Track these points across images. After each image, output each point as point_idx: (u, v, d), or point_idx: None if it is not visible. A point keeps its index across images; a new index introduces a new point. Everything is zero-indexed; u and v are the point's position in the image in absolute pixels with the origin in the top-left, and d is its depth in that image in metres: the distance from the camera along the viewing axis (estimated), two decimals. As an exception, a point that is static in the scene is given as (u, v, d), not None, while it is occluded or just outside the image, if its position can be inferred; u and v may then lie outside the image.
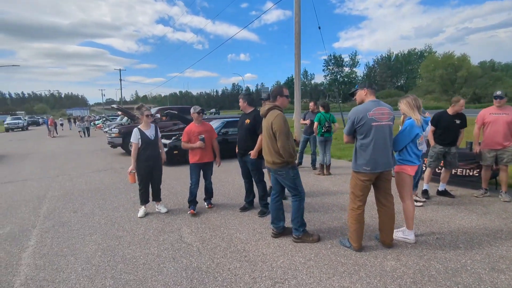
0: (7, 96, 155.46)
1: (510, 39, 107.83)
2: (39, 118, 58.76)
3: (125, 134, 11.55)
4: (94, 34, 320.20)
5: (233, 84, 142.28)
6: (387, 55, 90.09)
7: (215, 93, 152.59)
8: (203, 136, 4.63)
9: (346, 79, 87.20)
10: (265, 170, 4.79)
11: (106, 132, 23.64)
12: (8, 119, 37.66)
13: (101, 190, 6.36)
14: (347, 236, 3.47)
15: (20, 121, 36.99)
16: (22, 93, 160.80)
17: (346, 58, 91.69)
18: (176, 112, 9.72)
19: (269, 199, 4.29)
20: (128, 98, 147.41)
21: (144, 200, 4.76)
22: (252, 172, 4.61)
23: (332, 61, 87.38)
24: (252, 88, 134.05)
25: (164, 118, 12.99)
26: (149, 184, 4.80)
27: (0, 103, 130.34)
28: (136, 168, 4.56)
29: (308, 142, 7.95)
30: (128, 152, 11.61)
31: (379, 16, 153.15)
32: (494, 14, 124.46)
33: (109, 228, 4.20)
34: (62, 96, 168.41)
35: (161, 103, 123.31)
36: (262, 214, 4.52)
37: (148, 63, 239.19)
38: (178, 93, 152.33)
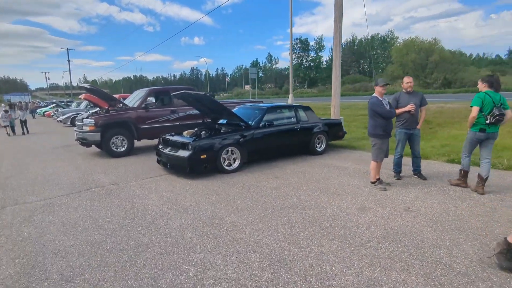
0: None
1: (449, 29, 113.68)
2: (-33, 105, 49.41)
3: (105, 128, 7.91)
4: (29, 12, 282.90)
5: (192, 68, 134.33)
6: (351, 39, 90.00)
7: (172, 78, 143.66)
8: None
9: (312, 64, 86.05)
10: None
11: (61, 121, 19.07)
12: None
13: (112, 257, 3.07)
14: None
15: None
16: None
17: (311, 42, 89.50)
18: (203, 93, 6.32)
19: None
20: (75, 83, 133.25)
21: None
22: None
23: (298, 45, 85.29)
24: (212, 73, 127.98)
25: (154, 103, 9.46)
26: None
27: None
28: None
29: (408, 140, 5.19)
30: (110, 154, 8.02)
31: (332, 2, 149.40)
32: (436, 4, 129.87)
33: None
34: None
35: (114, 89, 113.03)
36: None
37: (94, 45, 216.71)
38: (132, 77, 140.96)
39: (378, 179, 4.84)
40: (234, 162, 6.12)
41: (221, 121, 7.44)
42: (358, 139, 9.32)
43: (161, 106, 8.98)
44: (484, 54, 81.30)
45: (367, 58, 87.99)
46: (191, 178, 5.69)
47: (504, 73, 46.23)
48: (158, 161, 6.67)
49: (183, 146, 5.78)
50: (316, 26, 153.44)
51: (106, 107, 9.07)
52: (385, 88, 4.67)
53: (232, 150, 6.06)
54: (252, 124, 6.54)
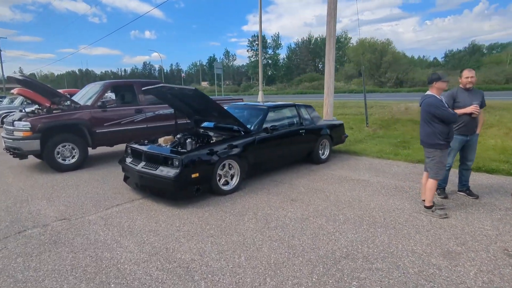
0: None
1: (391, 32, 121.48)
2: None
3: (47, 133, 5.93)
4: None
5: (144, 63, 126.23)
6: (308, 38, 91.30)
7: (123, 72, 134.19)
8: None
9: (270, 61, 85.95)
10: None
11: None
12: None
13: None
14: None
15: None
16: None
17: (268, 40, 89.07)
18: (193, 88, 4.63)
19: None
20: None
21: None
22: None
23: (256, 42, 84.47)
24: (167, 68, 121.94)
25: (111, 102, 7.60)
26: None
27: None
28: None
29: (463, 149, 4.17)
30: (55, 167, 6.06)
31: (284, 1, 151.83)
32: (379, 9, 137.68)
33: None
34: None
35: (56, 83, 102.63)
36: None
37: (31, 36, 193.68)
38: (77, 71, 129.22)
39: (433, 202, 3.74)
40: (231, 180, 4.66)
41: (205, 124, 5.91)
42: (352, 143, 8.33)
43: (122, 104, 7.13)
44: (423, 56, 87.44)
45: (323, 57, 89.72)
46: (176, 204, 4.13)
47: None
48: (126, 179, 4.96)
49: (166, 161, 4.17)
50: (270, 24, 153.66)
51: (47, 105, 6.98)
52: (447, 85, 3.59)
53: (230, 164, 4.59)
54: (252, 128, 5.10)
